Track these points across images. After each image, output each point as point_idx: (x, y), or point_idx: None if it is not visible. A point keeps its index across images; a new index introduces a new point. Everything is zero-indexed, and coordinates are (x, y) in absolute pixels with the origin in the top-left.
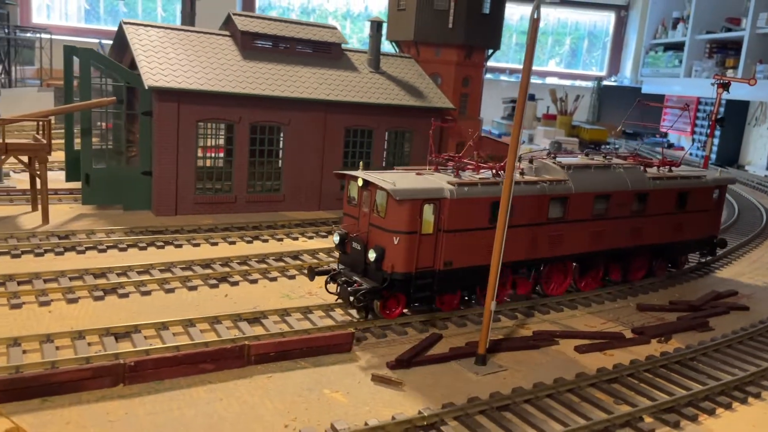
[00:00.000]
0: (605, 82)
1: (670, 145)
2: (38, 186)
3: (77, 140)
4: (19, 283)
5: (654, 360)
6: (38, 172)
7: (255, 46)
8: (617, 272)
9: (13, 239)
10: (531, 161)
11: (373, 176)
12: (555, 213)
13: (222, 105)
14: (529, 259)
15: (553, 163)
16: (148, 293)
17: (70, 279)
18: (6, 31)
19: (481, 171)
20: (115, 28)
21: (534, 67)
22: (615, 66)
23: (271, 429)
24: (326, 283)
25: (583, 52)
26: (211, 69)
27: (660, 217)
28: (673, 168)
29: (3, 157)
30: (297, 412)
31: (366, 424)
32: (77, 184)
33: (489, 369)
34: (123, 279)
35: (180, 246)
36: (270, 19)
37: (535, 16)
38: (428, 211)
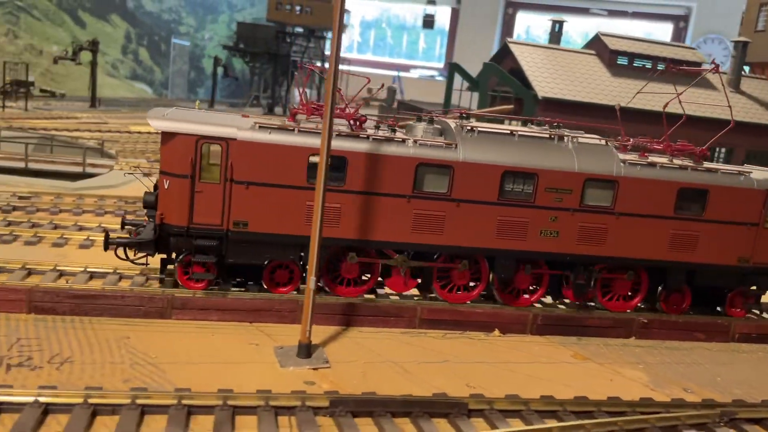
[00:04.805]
0: None
1: None
2: None
3: None
4: None
5: None
6: None
7: (618, 63)
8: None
9: None
10: (431, 121)
11: (166, 110)
12: (432, 186)
13: (593, 117)
14: (389, 242)
15: (456, 125)
16: None
17: None
18: (322, 61)
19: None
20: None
21: None
22: None
23: None
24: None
25: None
26: (587, 83)
27: (641, 220)
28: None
29: None
30: None
31: None
32: None
33: None
34: None
35: None
36: (631, 38)
37: None
38: (212, 153)
